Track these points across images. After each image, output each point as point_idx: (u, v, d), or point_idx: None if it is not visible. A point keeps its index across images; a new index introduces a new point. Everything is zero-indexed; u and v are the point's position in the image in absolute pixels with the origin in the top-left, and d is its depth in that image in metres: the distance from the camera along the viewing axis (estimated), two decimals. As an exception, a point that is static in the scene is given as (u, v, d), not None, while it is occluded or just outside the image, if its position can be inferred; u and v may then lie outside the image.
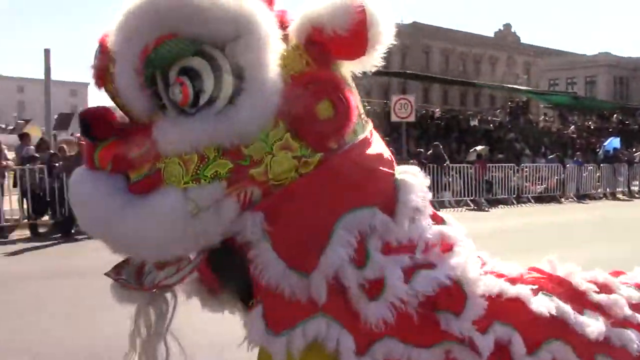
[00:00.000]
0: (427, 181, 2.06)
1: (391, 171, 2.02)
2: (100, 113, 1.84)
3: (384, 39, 1.84)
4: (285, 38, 1.86)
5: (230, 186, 1.76)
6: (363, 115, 2.04)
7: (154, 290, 1.89)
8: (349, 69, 1.95)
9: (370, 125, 2.05)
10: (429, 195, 2.02)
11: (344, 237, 1.82)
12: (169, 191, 1.72)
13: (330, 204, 1.85)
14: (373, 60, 1.90)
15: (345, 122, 1.86)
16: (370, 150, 2.00)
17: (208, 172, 1.74)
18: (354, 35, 1.79)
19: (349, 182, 1.89)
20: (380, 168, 2.00)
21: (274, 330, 1.76)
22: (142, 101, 1.76)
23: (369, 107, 21.07)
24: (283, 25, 1.88)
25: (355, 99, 1.93)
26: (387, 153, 2.06)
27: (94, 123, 1.81)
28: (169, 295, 1.94)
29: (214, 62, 1.70)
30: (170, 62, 1.70)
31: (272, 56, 1.76)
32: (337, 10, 1.77)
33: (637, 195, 23.17)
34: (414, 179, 1.99)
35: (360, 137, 1.96)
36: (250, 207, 1.78)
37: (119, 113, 1.84)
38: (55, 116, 32.07)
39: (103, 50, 1.77)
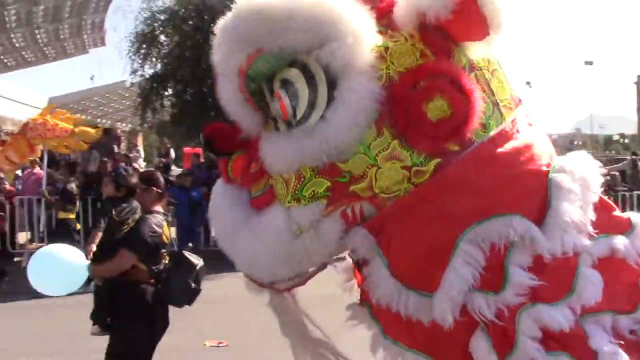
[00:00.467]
0: (595, 176, 1.81)
1: (543, 168, 1.77)
2: (222, 128, 1.86)
3: (505, 13, 1.64)
4: (392, 27, 1.73)
5: (330, 205, 1.68)
6: (505, 102, 1.82)
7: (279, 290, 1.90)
8: (480, 51, 1.75)
9: (514, 113, 1.82)
10: (594, 198, 1.78)
11: (467, 253, 1.62)
12: (277, 210, 1.70)
13: (453, 214, 1.65)
14: (503, 40, 1.71)
15: (465, 119, 1.65)
16: (511, 145, 1.73)
17: (306, 192, 1.68)
18: (466, 14, 1.60)
19: (476, 187, 1.67)
20: (525, 166, 1.73)
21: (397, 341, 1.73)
22: (248, 116, 1.77)
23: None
24: (386, 12, 1.74)
25: (484, 88, 1.75)
26: (539, 144, 1.81)
27: (216, 138, 1.86)
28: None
29: (307, 72, 1.65)
30: (269, 76, 1.69)
31: (366, 58, 1.64)
32: None
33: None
34: (570, 179, 1.74)
35: (495, 131, 1.74)
36: (362, 223, 1.68)
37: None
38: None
39: None
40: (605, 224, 1.81)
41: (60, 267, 4.10)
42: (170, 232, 4.65)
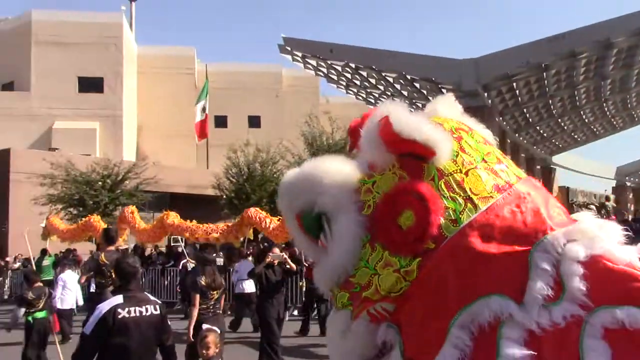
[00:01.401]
0: (600, 245, 1.92)
1: (523, 248, 1.95)
2: None
3: (437, 140, 2.11)
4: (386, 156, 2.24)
5: (355, 310, 2.20)
6: (481, 194, 2.11)
7: None
8: (442, 162, 2.16)
9: (493, 200, 2.09)
10: (577, 271, 1.89)
11: (457, 337, 1.86)
12: (340, 314, 2.31)
13: (441, 303, 1.92)
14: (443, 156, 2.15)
15: (427, 225, 2.02)
16: (486, 231, 1.99)
17: (339, 303, 2.28)
18: (395, 143, 2.14)
19: (454, 276, 1.93)
20: (502, 249, 1.96)
21: None
22: (308, 249, 2.56)
23: None
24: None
25: (455, 189, 2.11)
26: (524, 223, 2.01)
27: None
28: None
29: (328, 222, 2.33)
30: (315, 226, 2.38)
31: (349, 198, 2.26)
32: (371, 128, 2.25)
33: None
34: (547, 258, 1.91)
35: (464, 223, 2.05)
36: (389, 319, 2.13)
37: None
38: None
39: None
40: (610, 293, 1.85)
41: None
42: None
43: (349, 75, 27.52)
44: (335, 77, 28.82)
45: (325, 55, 25.00)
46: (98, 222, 17.19)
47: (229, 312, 14.28)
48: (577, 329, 1.84)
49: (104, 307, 4.45)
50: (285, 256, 9.84)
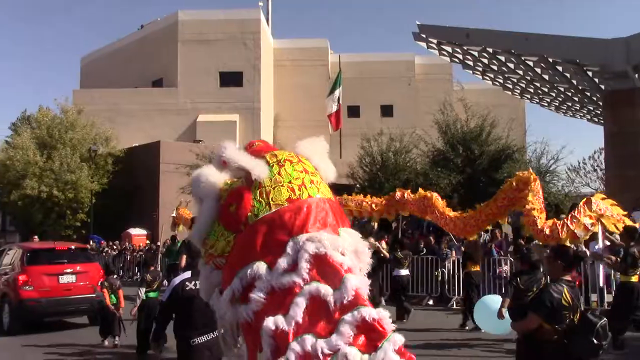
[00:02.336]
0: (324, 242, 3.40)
1: (285, 237, 3.44)
2: None
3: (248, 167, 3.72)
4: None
5: (207, 261, 3.82)
6: (277, 202, 3.54)
7: None
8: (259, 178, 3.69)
9: (280, 208, 3.52)
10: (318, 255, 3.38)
11: (235, 283, 3.48)
12: (202, 263, 4.01)
13: (236, 262, 3.51)
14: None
15: (239, 215, 3.58)
16: (271, 224, 3.48)
17: (203, 258, 3.92)
18: (227, 165, 3.85)
19: (245, 247, 3.51)
20: (275, 235, 3.45)
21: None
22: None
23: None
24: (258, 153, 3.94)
25: (264, 196, 3.60)
26: (290, 223, 3.47)
27: None
28: None
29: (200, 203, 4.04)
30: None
31: (214, 191, 3.86)
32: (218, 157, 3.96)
33: None
34: (293, 244, 3.40)
35: (260, 217, 3.54)
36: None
37: None
38: None
39: None
40: (324, 275, 3.33)
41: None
42: (569, 297, 4.81)
43: (485, 61, 26.63)
44: (471, 63, 28.01)
45: (461, 41, 24.39)
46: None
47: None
48: (295, 291, 3.31)
49: (176, 280, 5.56)
50: (379, 245, 10.10)
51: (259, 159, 3.70)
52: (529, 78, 27.68)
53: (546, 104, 34.10)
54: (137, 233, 31.09)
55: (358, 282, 3.32)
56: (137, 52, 46.00)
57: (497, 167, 21.34)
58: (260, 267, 3.36)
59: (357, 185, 24.43)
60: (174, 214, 21.76)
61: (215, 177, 3.87)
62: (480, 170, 21.43)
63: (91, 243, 26.80)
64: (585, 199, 11.42)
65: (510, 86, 30.96)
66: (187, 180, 25.97)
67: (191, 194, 4.36)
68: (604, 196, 13.11)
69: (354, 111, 47.57)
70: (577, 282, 10.58)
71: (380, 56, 49.80)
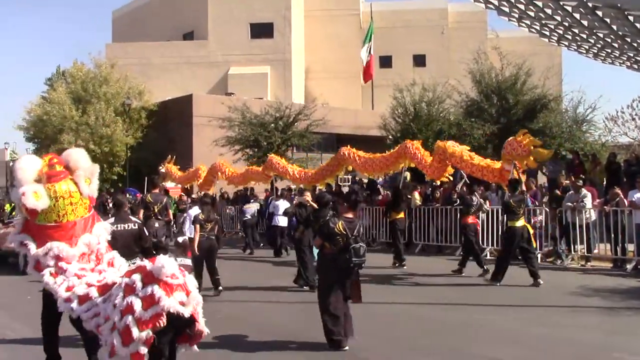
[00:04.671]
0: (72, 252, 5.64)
1: (48, 240, 5.62)
2: None
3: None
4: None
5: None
6: (66, 218, 5.71)
7: None
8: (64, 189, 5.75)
9: (50, 223, 5.67)
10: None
11: (43, 259, 5.62)
12: None
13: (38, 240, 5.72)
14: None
15: (30, 215, 5.67)
16: (43, 229, 5.65)
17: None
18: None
19: (39, 232, 5.70)
20: (43, 238, 5.62)
21: None
22: None
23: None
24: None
25: (57, 209, 5.69)
26: (51, 236, 5.63)
27: None
28: None
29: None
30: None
31: (30, 179, 5.68)
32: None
33: None
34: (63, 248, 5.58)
35: (40, 224, 5.68)
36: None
37: None
38: None
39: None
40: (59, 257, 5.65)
41: None
42: (342, 227, 7.06)
43: (522, 7, 25.87)
44: (507, 10, 27.24)
45: (496, -13, 23.68)
46: (203, 171, 21.34)
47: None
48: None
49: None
50: (308, 198, 11.55)
51: (43, 194, 5.60)
52: (566, 24, 26.82)
53: (584, 51, 33.10)
54: (172, 186, 31.58)
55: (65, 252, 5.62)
56: (168, 4, 45.82)
57: (533, 117, 21.00)
58: (60, 245, 5.61)
59: (390, 137, 24.33)
60: (161, 169, 23.06)
61: (36, 166, 5.80)
62: (515, 120, 21.10)
63: (128, 196, 27.40)
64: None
65: (547, 33, 30.03)
66: (220, 132, 26.19)
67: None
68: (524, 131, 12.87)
69: (385, 61, 46.97)
70: (477, 226, 13.59)
71: (413, 4, 48.74)
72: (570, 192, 14.29)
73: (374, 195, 19.51)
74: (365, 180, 20.52)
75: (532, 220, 14.36)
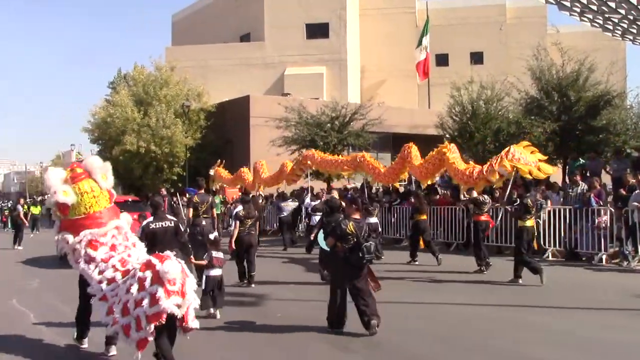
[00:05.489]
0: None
1: (79, 230, 6.82)
2: None
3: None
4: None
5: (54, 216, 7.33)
6: (91, 209, 6.89)
7: None
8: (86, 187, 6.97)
9: (79, 216, 6.85)
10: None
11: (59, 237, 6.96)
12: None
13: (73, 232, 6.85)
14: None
15: (63, 211, 6.85)
16: (74, 222, 6.85)
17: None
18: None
19: (69, 228, 6.87)
20: (76, 228, 6.81)
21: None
22: None
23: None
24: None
25: (83, 204, 6.90)
26: (82, 226, 6.82)
27: None
28: None
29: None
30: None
31: (51, 187, 6.92)
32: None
33: None
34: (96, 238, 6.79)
35: (71, 218, 6.86)
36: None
37: None
38: None
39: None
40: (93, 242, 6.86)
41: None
42: (353, 228, 7.76)
43: (584, 1, 25.14)
44: (568, 4, 26.54)
45: (556, -20, 23.12)
46: (247, 173, 23.18)
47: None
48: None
49: (144, 222, 8.62)
50: (335, 196, 12.84)
51: (71, 191, 6.81)
52: (631, 17, 25.92)
53: (650, 45, 31.91)
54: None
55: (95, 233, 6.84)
56: (225, 7, 46.60)
57: (595, 114, 20.37)
58: (88, 232, 6.77)
59: (447, 136, 24.07)
60: (211, 172, 24.14)
61: (62, 174, 7.03)
62: (577, 118, 20.52)
63: (187, 195, 28.03)
64: (507, 147, 12.45)
65: (611, 27, 29.10)
66: (277, 133, 26.46)
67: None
68: (527, 143, 13.38)
69: (442, 59, 46.45)
70: (491, 224, 14.38)
71: (470, 1, 48.02)
72: (636, 192, 13.84)
73: (432, 195, 19.37)
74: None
75: (597, 221, 13.98)
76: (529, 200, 11.83)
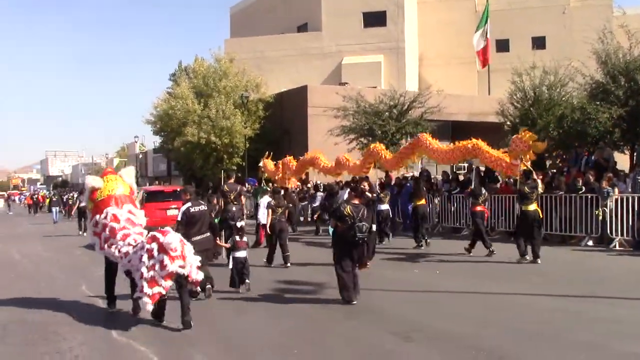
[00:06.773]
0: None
1: (104, 208, 8.84)
2: None
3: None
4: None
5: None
6: (110, 190, 8.98)
7: None
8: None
9: (104, 197, 8.93)
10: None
11: (94, 220, 9.03)
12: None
13: (95, 212, 8.94)
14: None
15: (93, 197, 8.98)
16: (103, 201, 8.88)
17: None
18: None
19: (96, 208, 8.96)
20: (101, 207, 8.84)
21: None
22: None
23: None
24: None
25: (110, 188, 9.04)
26: (106, 204, 8.86)
27: None
28: None
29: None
30: None
31: (87, 188, 9.30)
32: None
33: None
34: (115, 213, 8.74)
35: (99, 199, 8.92)
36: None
37: None
38: None
39: None
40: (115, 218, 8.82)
41: None
42: (350, 210, 8.98)
43: (652, -19, 24.03)
44: (635, -15, 25.44)
45: (623, -39, 22.29)
46: (291, 161, 23.26)
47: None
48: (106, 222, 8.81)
49: (183, 207, 9.46)
50: (365, 187, 13.99)
51: (99, 178, 9.08)
52: None
53: None
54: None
55: (117, 212, 8.73)
56: (282, -2, 46.92)
57: (665, 98, 19.58)
58: (110, 208, 8.67)
59: (508, 123, 23.60)
60: (260, 164, 24.57)
61: (99, 180, 9.08)
62: (645, 102, 19.77)
63: (247, 185, 28.44)
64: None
65: (683, 7, 27.78)
66: (335, 122, 26.52)
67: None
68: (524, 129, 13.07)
69: (503, 45, 45.43)
70: (486, 213, 15.11)
71: (531, -16, 46.74)
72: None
73: (492, 184, 19.06)
74: (483, 168, 20.08)
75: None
76: (525, 187, 12.92)
